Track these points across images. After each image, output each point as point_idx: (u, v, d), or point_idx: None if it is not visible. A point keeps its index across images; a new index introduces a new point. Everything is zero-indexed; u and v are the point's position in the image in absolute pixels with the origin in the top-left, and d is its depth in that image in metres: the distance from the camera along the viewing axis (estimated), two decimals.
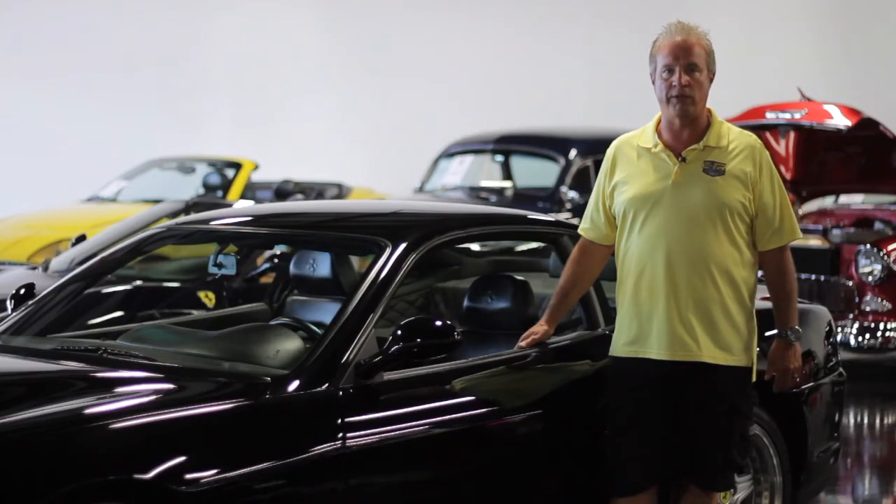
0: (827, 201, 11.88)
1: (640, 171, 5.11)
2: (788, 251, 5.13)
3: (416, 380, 4.86)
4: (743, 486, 5.63)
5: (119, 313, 8.08)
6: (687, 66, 5.00)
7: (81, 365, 4.92)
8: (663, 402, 4.98)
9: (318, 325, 5.77)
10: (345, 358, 4.73)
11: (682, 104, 5.01)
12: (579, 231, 5.29)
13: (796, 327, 5.15)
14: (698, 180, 5.02)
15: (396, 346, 4.70)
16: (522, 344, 5.22)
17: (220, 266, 5.93)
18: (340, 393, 4.67)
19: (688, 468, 5.05)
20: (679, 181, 5.02)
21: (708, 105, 5.13)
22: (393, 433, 4.73)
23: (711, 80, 5.10)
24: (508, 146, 13.76)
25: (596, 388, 5.19)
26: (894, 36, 19.05)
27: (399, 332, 4.70)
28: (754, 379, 5.12)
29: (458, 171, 13.78)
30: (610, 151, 5.28)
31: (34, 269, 9.36)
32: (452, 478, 4.88)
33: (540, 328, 5.25)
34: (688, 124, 5.06)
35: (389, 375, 4.77)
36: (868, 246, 10.34)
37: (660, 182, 5.05)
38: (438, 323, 4.75)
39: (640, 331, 5.02)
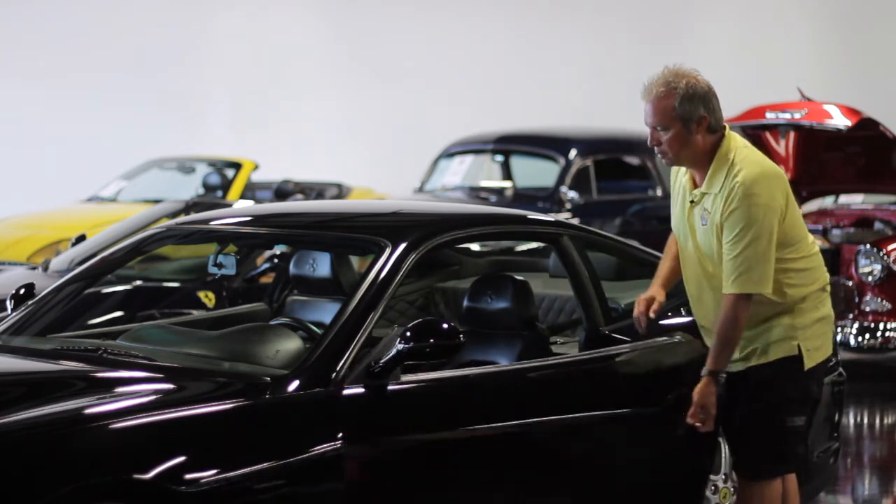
0: (827, 201, 11.87)
1: (675, 200, 5.28)
2: (739, 302, 5.01)
3: (416, 380, 4.86)
4: None
5: (119, 313, 8.08)
6: (654, 127, 5.07)
7: (81, 365, 4.92)
8: None
9: (318, 325, 5.77)
10: (345, 358, 4.73)
11: (664, 159, 5.14)
12: None
13: (710, 368, 5.09)
14: (697, 225, 5.14)
15: (406, 347, 4.69)
16: (649, 314, 5.27)
17: (219, 266, 5.93)
18: (340, 393, 4.67)
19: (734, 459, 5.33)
20: (690, 221, 5.16)
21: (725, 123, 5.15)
22: (393, 433, 4.73)
23: (701, 123, 5.03)
24: (508, 146, 13.76)
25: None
26: (894, 36, 19.05)
27: (409, 334, 4.69)
28: (810, 365, 5.16)
29: (458, 171, 13.78)
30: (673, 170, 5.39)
31: (34, 269, 9.36)
32: (452, 478, 4.88)
33: (657, 296, 5.32)
34: (692, 167, 5.15)
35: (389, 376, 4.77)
36: (868, 246, 10.34)
37: (682, 219, 5.21)
38: (445, 325, 4.75)
39: None
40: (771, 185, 5.03)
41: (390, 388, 4.75)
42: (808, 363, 5.17)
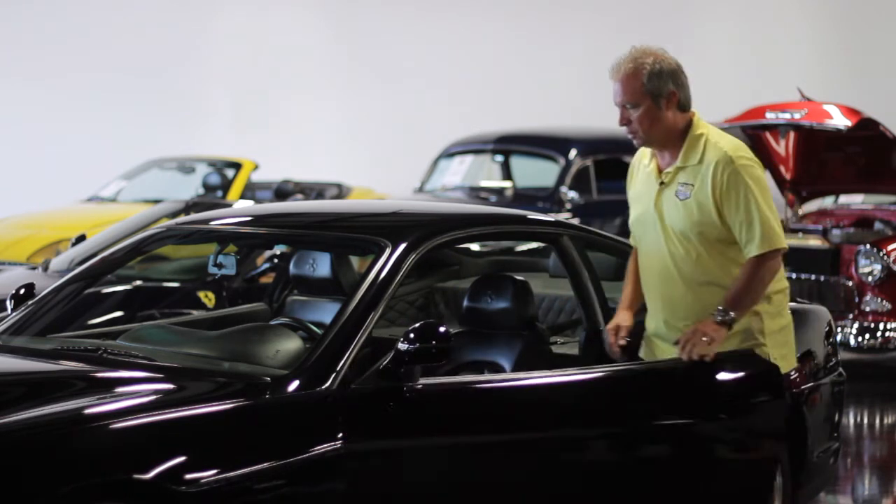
0: (827, 201, 11.87)
1: (638, 193, 5.25)
2: (767, 262, 5.04)
3: (415, 382, 4.85)
4: None
5: (119, 313, 8.08)
6: (622, 104, 5.09)
7: (81, 365, 4.92)
8: None
9: (318, 325, 5.77)
10: (345, 358, 4.73)
11: (635, 139, 5.13)
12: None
13: (731, 312, 5.02)
14: (672, 205, 5.09)
15: (412, 348, 4.68)
16: (619, 342, 5.22)
17: (219, 266, 5.93)
18: (340, 393, 4.67)
19: None
20: (659, 206, 5.12)
21: (694, 109, 5.13)
22: (393, 434, 4.72)
23: (671, 99, 5.06)
24: (508, 146, 13.76)
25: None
26: (894, 36, 19.04)
27: (412, 335, 4.68)
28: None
29: (458, 171, 13.78)
30: (631, 166, 5.38)
31: (34, 269, 9.36)
32: (453, 480, 4.87)
33: (623, 322, 5.28)
34: (662, 147, 5.13)
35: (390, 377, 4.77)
36: (868, 246, 10.34)
37: (648, 206, 5.16)
38: (442, 328, 4.74)
39: None
40: (752, 153, 5.12)
41: (390, 389, 4.74)
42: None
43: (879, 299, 10.29)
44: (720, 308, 5.03)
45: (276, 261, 8.50)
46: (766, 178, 11.82)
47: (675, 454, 5.19)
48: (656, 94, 5.05)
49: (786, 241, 5.12)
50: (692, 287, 5.10)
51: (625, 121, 5.09)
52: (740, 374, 5.25)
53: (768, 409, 5.32)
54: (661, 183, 5.12)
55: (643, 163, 5.26)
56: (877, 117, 10.59)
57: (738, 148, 5.10)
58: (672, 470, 5.18)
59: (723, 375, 5.23)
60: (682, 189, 5.07)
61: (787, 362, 5.29)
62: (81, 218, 12.38)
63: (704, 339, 5.00)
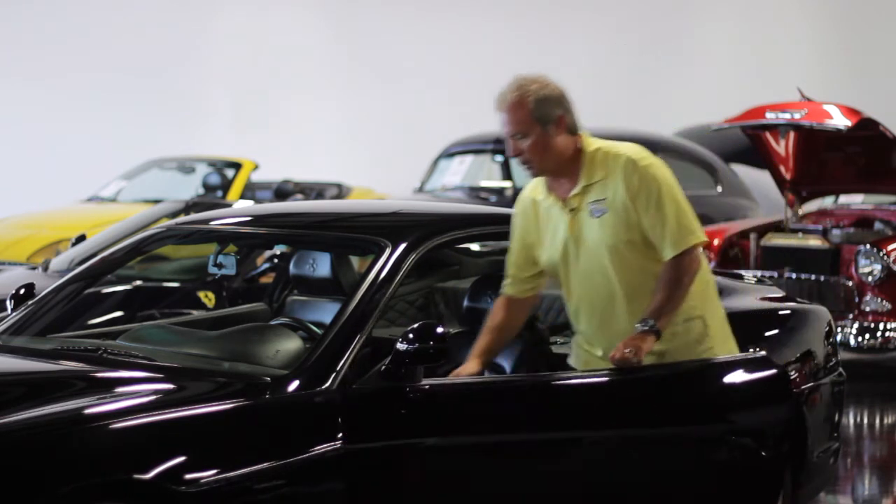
0: (827, 201, 11.87)
1: (546, 234, 5.09)
2: (683, 263, 4.93)
3: (415, 382, 4.85)
4: None
5: (119, 313, 8.08)
6: (514, 136, 4.98)
7: (81, 365, 4.92)
8: None
9: (318, 325, 5.77)
10: (345, 358, 4.73)
11: (531, 171, 5.04)
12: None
13: (654, 321, 4.90)
14: (591, 226, 4.97)
15: (411, 348, 4.68)
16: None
17: (219, 266, 5.93)
18: (340, 393, 4.67)
19: None
20: (577, 233, 4.99)
21: (582, 131, 5.01)
22: (393, 434, 4.72)
23: (559, 124, 4.95)
24: None
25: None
26: (894, 36, 19.05)
27: (410, 336, 4.68)
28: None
29: (458, 171, 13.77)
30: (517, 209, 5.20)
31: (34, 269, 9.35)
32: (453, 481, 4.87)
33: (472, 370, 5.13)
34: (557, 174, 5.01)
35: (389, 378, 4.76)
36: (868, 246, 10.34)
37: (565, 240, 5.02)
38: (440, 329, 4.73)
39: None
40: (652, 154, 5.03)
41: (391, 389, 4.74)
42: None
43: (879, 299, 10.29)
44: (643, 318, 4.92)
45: (276, 261, 8.50)
46: (766, 178, 11.88)
47: (679, 457, 5.17)
48: (545, 120, 4.94)
49: (703, 234, 4.99)
50: (637, 298, 4.98)
51: (517, 151, 4.97)
52: (748, 379, 5.23)
53: (776, 412, 5.30)
54: (572, 210, 4.99)
55: (538, 201, 5.10)
56: (877, 117, 10.59)
57: (638, 151, 5.01)
58: (677, 473, 5.16)
59: (730, 379, 5.21)
60: (595, 207, 4.95)
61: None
62: (81, 218, 12.38)
63: (627, 350, 4.89)
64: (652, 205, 4.92)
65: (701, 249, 5.03)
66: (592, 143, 5.03)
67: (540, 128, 4.94)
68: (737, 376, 5.18)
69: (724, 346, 5.21)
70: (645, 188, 4.92)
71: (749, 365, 5.24)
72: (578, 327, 5.18)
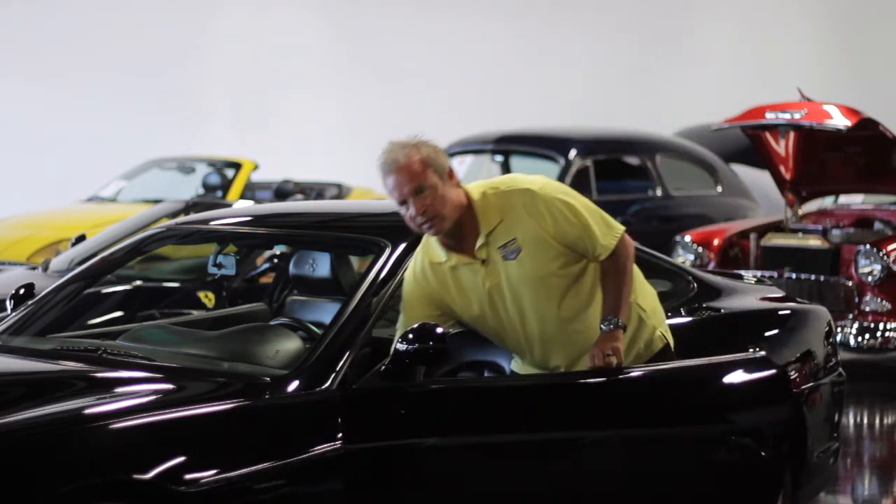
0: (827, 201, 11.87)
1: (455, 294, 4.94)
2: (618, 255, 4.90)
3: (415, 382, 4.85)
4: None
5: (119, 313, 8.07)
6: (415, 192, 4.80)
7: (81, 365, 4.92)
8: None
9: (318, 325, 5.76)
10: (344, 358, 4.73)
11: (436, 229, 4.83)
12: None
13: (615, 317, 4.89)
14: (509, 269, 4.86)
15: (410, 348, 4.67)
16: None
17: (219, 266, 5.93)
18: (340, 393, 4.67)
19: None
20: (496, 281, 4.88)
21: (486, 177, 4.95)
22: (392, 434, 4.72)
23: (452, 177, 4.84)
24: (508, 146, 13.75)
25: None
26: (894, 36, 19.05)
27: (410, 336, 4.68)
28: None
29: (457, 171, 13.76)
30: (410, 277, 5.00)
31: (34, 269, 9.35)
32: (453, 481, 4.86)
33: None
34: (457, 231, 4.86)
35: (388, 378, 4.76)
36: (868, 246, 10.33)
37: (484, 295, 4.90)
38: (439, 329, 4.72)
39: None
40: (528, 177, 4.96)
41: (391, 389, 4.74)
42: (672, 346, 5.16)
43: (879, 299, 10.29)
44: (605, 318, 4.90)
45: (275, 261, 8.49)
46: (766, 178, 11.88)
47: (679, 458, 5.15)
48: (440, 171, 4.81)
49: (620, 226, 4.96)
50: (578, 315, 4.94)
51: (420, 209, 4.77)
52: (748, 379, 5.21)
53: (776, 412, 5.29)
54: (483, 262, 4.88)
55: (438, 264, 4.91)
56: (877, 117, 10.59)
57: (523, 180, 4.91)
58: (677, 474, 5.14)
59: (730, 379, 5.20)
60: (507, 251, 4.85)
61: (669, 335, 5.21)
62: (81, 218, 12.37)
63: (606, 355, 4.86)
64: (570, 221, 4.85)
65: (625, 237, 4.97)
66: (475, 190, 4.90)
67: (437, 179, 4.79)
68: (737, 376, 5.17)
69: (662, 322, 5.20)
70: (555, 211, 4.85)
71: (749, 365, 5.23)
72: (526, 361, 5.09)
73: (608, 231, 4.92)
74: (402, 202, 4.85)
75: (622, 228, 4.98)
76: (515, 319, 4.94)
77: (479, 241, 4.87)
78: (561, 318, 4.94)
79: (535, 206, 4.85)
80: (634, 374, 5.01)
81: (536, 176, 4.98)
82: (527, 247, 4.86)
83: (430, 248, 4.96)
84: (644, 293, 5.15)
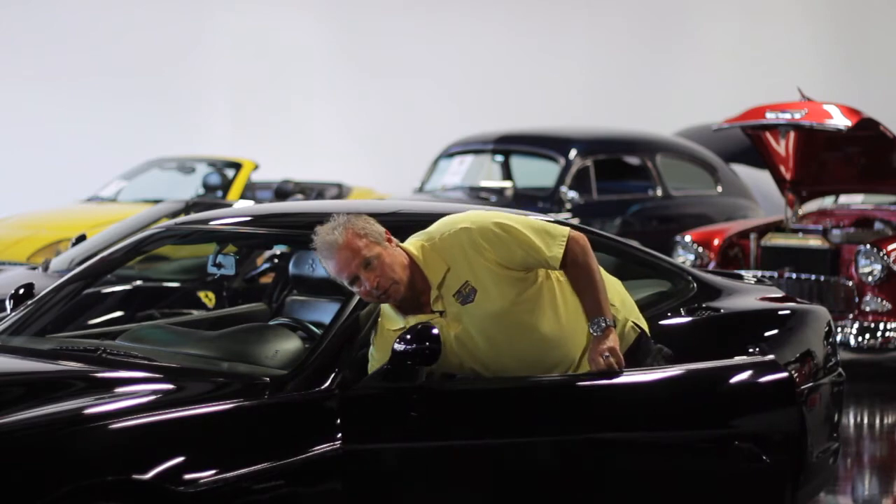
0: (827, 201, 11.87)
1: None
2: (575, 255, 4.88)
3: (415, 382, 4.84)
4: None
5: (119, 313, 8.07)
6: (364, 266, 4.73)
7: (80, 365, 4.92)
8: None
9: (318, 325, 5.77)
10: (344, 358, 4.73)
11: (394, 297, 4.80)
12: None
13: (599, 318, 4.90)
14: (470, 315, 4.85)
15: (408, 349, 4.67)
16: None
17: (219, 266, 5.94)
18: (339, 393, 4.67)
19: None
20: (461, 326, 4.87)
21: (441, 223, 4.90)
22: (392, 434, 4.72)
23: (390, 240, 4.80)
24: (508, 146, 13.75)
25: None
26: (894, 36, 19.05)
27: (408, 336, 4.67)
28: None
29: (458, 171, 13.77)
30: (379, 344, 4.92)
31: (34, 269, 9.35)
32: (452, 482, 4.86)
33: None
34: (411, 290, 4.83)
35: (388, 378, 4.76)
36: (868, 246, 10.33)
37: (454, 344, 4.87)
38: (435, 330, 4.71)
39: None
40: (456, 217, 4.94)
41: (390, 389, 4.73)
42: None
43: (879, 299, 10.29)
44: (591, 321, 4.91)
45: (275, 261, 8.50)
46: (766, 178, 11.88)
47: (683, 460, 5.13)
48: (378, 239, 4.77)
49: (563, 226, 4.96)
50: (552, 332, 4.94)
51: (373, 282, 4.70)
52: (755, 382, 5.19)
53: (781, 415, 5.27)
54: (441, 314, 4.86)
55: (399, 330, 4.81)
56: (877, 117, 10.59)
57: (457, 220, 4.89)
58: (680, 476, 5.13)
59: (735, 381, 5.19)
60: (461, 295, 4.84)
61: (643, 323, 5.20)
62: (81, 218, 12.37)
63: (603, 359, 4.88)
64: (510, 244, 4.84)
65: (573, 233, 4.96)
66: (413, 247, 4.88)
67: (380, 247, 4.76)
68: (743, 379, 5.15)
69: (632, 312, 5.19)
70: (492, 238, 4.84)
71: (757, 369, 5.20)
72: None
73: (552, 240, 4.89)
74: (352, 281, 4.77)
75: (566, 231, 4.94)
76: (492, 355, 4.93)
77: (433, 295, 4.85)
78: (536, 340, 4.93)
79: (475, 242, 4.83)
80: (642, 377, 5.00)
81: (466, 212, 4.96)
82: (480, 286, 4.84)
83: (387, 316, 4.92)
84: (610, 287, 5.12)
